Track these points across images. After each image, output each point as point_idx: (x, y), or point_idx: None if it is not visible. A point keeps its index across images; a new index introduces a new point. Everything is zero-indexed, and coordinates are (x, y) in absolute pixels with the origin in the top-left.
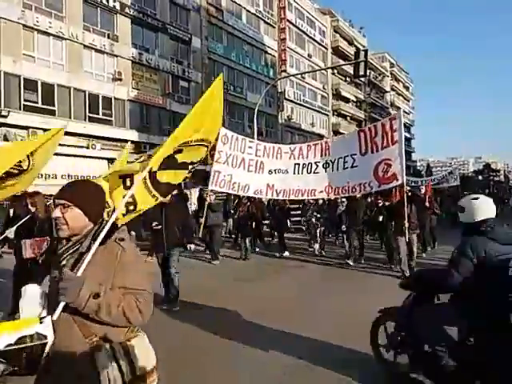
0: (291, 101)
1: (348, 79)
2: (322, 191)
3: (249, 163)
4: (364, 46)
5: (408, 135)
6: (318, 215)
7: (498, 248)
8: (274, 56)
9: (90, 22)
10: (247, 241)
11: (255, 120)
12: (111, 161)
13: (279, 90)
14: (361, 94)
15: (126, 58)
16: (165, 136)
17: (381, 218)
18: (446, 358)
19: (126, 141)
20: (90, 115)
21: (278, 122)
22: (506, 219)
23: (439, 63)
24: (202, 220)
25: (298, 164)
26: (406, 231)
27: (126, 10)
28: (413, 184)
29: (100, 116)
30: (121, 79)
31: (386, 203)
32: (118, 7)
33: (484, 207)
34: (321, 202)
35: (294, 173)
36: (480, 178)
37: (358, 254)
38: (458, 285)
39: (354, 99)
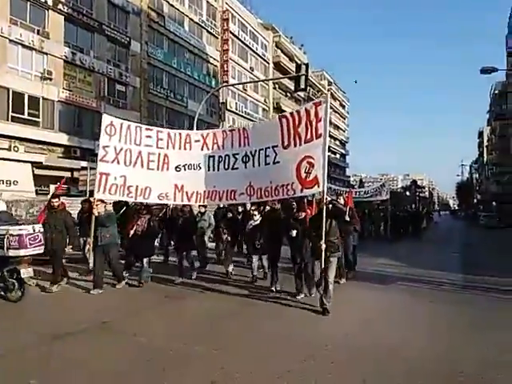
0: (233, 112)
1: (288, 94)
2: (243, 193)
3: (148, 158)
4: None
5: (343, 151)
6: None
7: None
8: (216, 66)
9: (17, 15)
10: (144, 262)
11: (195, 128)
12: (36, 164)
13: (221, 100)
14: None
15: (57, 57)
16: (97, 140)
17: (294, 233)
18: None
19: (54, 144)
20: (14, 115)
21: None
22: (431, 230)
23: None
24: (90, 240)
25: (213, 157)
26: (323, 253)
27: (60, 6)
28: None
29: (25, 116)
30: (51, 79)
31: (302, 214)
32: (49, 2)
33: None
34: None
35: (209, 169)
36: (408, 193)
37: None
38: None
39: None
